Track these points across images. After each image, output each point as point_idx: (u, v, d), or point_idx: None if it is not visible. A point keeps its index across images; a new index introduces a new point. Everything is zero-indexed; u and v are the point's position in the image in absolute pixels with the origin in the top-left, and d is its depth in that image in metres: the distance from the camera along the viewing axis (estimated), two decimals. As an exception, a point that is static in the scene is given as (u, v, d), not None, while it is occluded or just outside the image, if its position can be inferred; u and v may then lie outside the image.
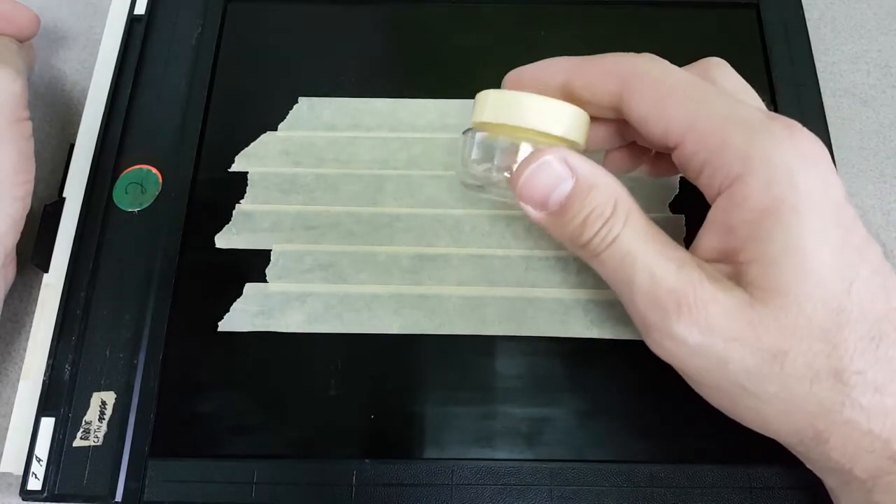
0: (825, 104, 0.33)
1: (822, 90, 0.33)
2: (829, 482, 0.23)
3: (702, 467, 0.27)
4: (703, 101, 0.22)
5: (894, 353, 0.21)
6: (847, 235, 0.21)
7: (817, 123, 0.32)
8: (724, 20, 0.35)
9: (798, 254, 0.21)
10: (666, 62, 0.24)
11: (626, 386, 0.27)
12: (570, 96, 0.25)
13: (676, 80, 0.23)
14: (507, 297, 0.29)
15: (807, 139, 0.22)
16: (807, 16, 0.35)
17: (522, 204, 0.24)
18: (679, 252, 0.23)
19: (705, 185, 0.23)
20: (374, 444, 0.27)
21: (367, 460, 0.27)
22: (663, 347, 0.22)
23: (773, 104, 0.33)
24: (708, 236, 0.23)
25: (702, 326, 0.21)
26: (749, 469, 0.26)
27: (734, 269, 0.22)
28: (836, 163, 0.32)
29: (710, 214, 0.23)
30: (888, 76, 0.36)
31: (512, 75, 0.27)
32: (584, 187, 0.23)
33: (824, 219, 0.21)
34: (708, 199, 0.23)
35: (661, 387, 0.25)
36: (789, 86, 0.33)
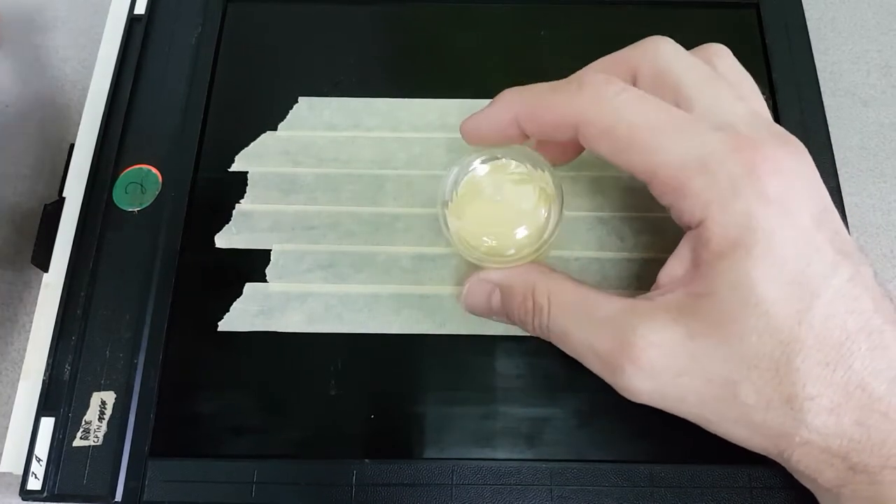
0: (825, 104, 0.33)
1: (822, 90, 0.33)
2: (808, 487, 0.24)
3: (702, 467, 0.27)
4: (658, 150, 0.22)
5: (850, 376, 0.21)
6: (808, 265, 0.21)
7: (817, 123, 0.32)
8: (724, 20, 0.35)
9: (744, 291, 0.21)
10: (617, 92, 0.23)
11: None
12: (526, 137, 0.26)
13: (629, 125, 0.23)
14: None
15: (769, 171, 0.22)
16: (807, 16, 0.35)
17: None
18: (608, 307, 0.23)
19: (676, 221, 0.24)
20: (374, 444, 0.27)
21: (367, 460, 0.27)
22: (634, 398, 0.23)
23: (774, 104, 0.33)
24: (674, 263, 0.24)
25: (649, 372, 0.22)
26: (749, 469, 0.26)
27: (688, 300, 0.23)
28: (837, 163, 0.32)
29: (679, 246, 0.24)
30: (888, 76, 0.36)
31: (469, 127, 0.26)
32: (505, 292, 0.26)
33: (781, 254, 0.21)
34: (682, 227, 0.24)
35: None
36: (789, 86, 0.33)
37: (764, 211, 0.21)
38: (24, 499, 0.27)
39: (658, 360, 0.22)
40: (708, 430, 0.24)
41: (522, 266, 0.26)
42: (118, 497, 0.27)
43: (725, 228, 0.22)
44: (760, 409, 0.22)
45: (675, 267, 0.24)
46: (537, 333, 0.26)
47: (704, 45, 0.26)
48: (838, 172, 0.32)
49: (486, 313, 0.27)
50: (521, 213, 0.26)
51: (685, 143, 0.22)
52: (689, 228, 0.23)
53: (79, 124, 0.33)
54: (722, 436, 0.24)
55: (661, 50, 0.24)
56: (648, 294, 0.24)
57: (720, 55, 0.25)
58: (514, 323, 0.26)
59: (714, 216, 0.22)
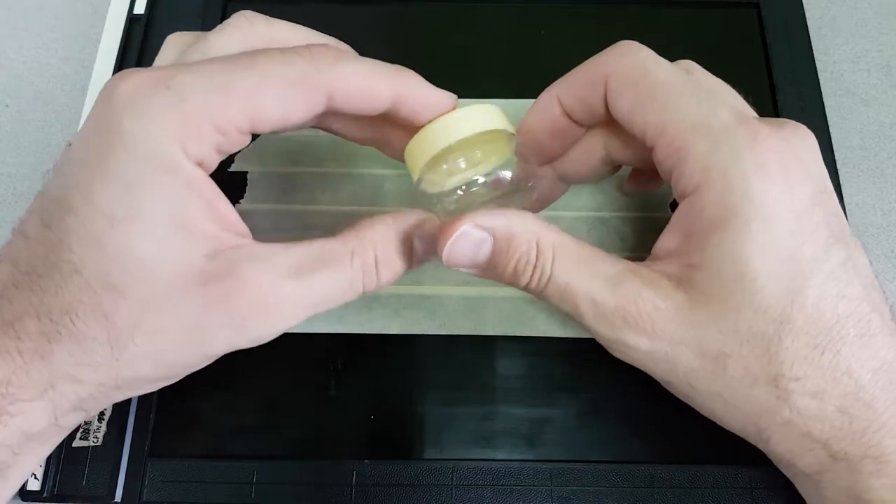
0: (826, 104, 0.33)
1: (822, 90, 0.33)
2: (787, 474, 0.24)
3: (702, 468, 0.27)
4: (674, 108, 0.23)
5: (839, 361, 0.21)
6: (802, 245, 0.21)
7: (818, 123, 0.32)
8: (724, 20, 0.35)
9: (740, 265, 0.21)
10: (646, 55, 0.24)
11: (626, 386, 0.27)
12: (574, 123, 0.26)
13: (653, 82, 0.23)
14: (507, 297, 0.29)
15: (771, 147, 0.22)
16: (807, 15, 0.35)
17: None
18: (614, 266, 0.23)
19: (674, 188, 0.24)
20: (374, 444, 0.27)
21: (366, 460, 0.27)
22: (621, 354, 0.24)
23: (774, 104, 0.32)
24: (668, 236, 0.24)
25: (649, 334, 0.22)
26: (750, 470, 0.26)
27: (683, 271, 0.23)
28: (837, 162, 0.32)
29: (674, 216, 0.24)
30: (889, 76, 0.36)
31: (522, 132, 0.26)
32: (503, 241, 0.23)
33: (776, 230, 0.21)
34: (676, 199, 0.24)
35: (661, 387, 0.25)
36: (790, 86, 0.33)
37: (763, 184, 0.21)
38: (23, 499, 0.26)
39: (660, 324, 0.22)
40: (689, 401, 0.24)
41: (522, 214, 0.24)
42: (118, 497, 0.27)
43: (722, 196, 0.22)
44: (746, 385, 0.22)
45: (669, 240, 0.24)
46: (531, 285, 0.24)
47: (674, 63, 0.25)
48: (839, 172, 0.32)
49: (466, 265, 0.24)
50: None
51: (697, 107, 0.22)
52: (684, 197, 0.23)
53: (79, 124, 0.33)
54: (702, 409, 0.24)
55: (636, 55, 0.24)
56: (645, 263, 0.24)
57: (692, 68, 0.25)
58: (496, 276, 0.24)
59: (712, 182, 0.22)
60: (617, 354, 0.24)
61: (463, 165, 0.24)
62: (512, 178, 0.24)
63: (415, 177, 0.25)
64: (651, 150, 0.24)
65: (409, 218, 0.24)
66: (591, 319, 0.23)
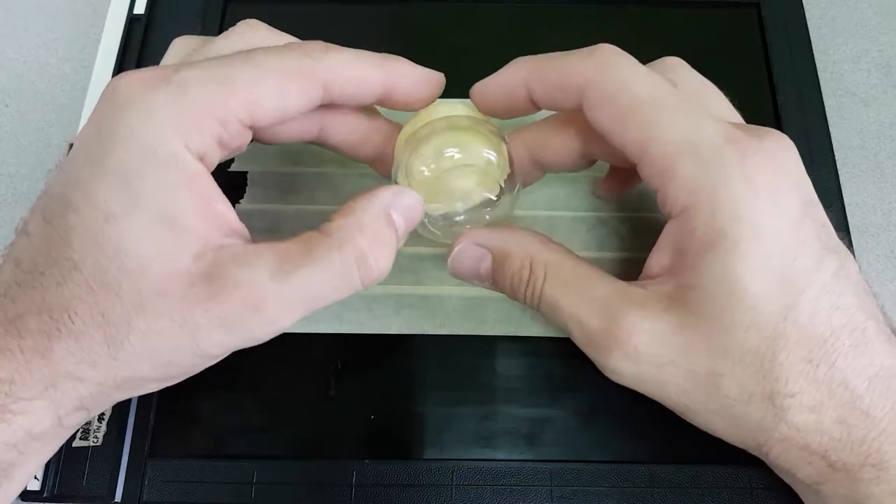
0: (826, 104, 0.33)
1: (822, 90, 0.33)
2: (788, 482, 0.24)
3: (703, 468, 0.27)
4: (656, 125, 0.22)
5: (834, 373, 0.21)
6: (795, 259, 0.21)
7: (818, 123, 0.32)
8: (725, 20, 0.35)
9: (731, 284, 0.21)
10: (626, 64, 0.23)
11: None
12: (535, 106, 0.25)
13: (632, 98, 0.22)
14: (506, 298, 0.29)
15: (758, 162, 0.21)
16: (807, 15, 0.35)
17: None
18: (605, 288, 0.23)
19: (660, 206, 0.23)
20: (374, 444, 0.27)
21: (366, 460, 0.27)
22: (612, 377, 0.24)
23: (774, 104, 0.32)
24: (659, 254, 0.24)
25: (633, 357, 0.22)
26: (750, 470, 0.26)
27: (676, 291, 0.23)
28: (837, 162, 0.32)
29: (663, 235, 0.24)
30: (889, 76, 0.36)
31: (477, 91, 0.26)
32: (499, 258, 0.25)
33: (767, 247, 0.21)
34: (664, 214, 0.24)
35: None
36: (790, 86, 0.33)
37: (752, 202, 0.21)
38: (23, 499, 0.26)
39: (644, 347, 0.22)
40: (686, 419, 0.24)
41: (519, 232, 0.25)
42: (118, 497, 0.27)
43: (712, 217, 0.21)
44: (742, 403, 0.22)
45: (661, 257, 0.24)
46: (526, 302, 0.25)
47: (658, 61, 0.25)
48: (839, 172, 0.32)
49: (471, 278, 0.26)
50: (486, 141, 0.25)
51: (682, 124, 0.22)
52: (671, 216, 0.23)
53: (79, 124, 0.33)
54: (700, 426, 0.24)
55: (614, 64, 0.23)
56: (639, 282, 0.24)
57: (676, 68, 0.25)
58: (499, 290, 0.26)
59: (701, 203, 0.22)
60: (612, 379, 0.24)
61: (442, 151, 0.24)
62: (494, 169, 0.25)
63: (395, 159, 0.25)
64: (634, 164, 0.23)
65: (386, 195, 0.23)
66: (578, 341, 0.24)
